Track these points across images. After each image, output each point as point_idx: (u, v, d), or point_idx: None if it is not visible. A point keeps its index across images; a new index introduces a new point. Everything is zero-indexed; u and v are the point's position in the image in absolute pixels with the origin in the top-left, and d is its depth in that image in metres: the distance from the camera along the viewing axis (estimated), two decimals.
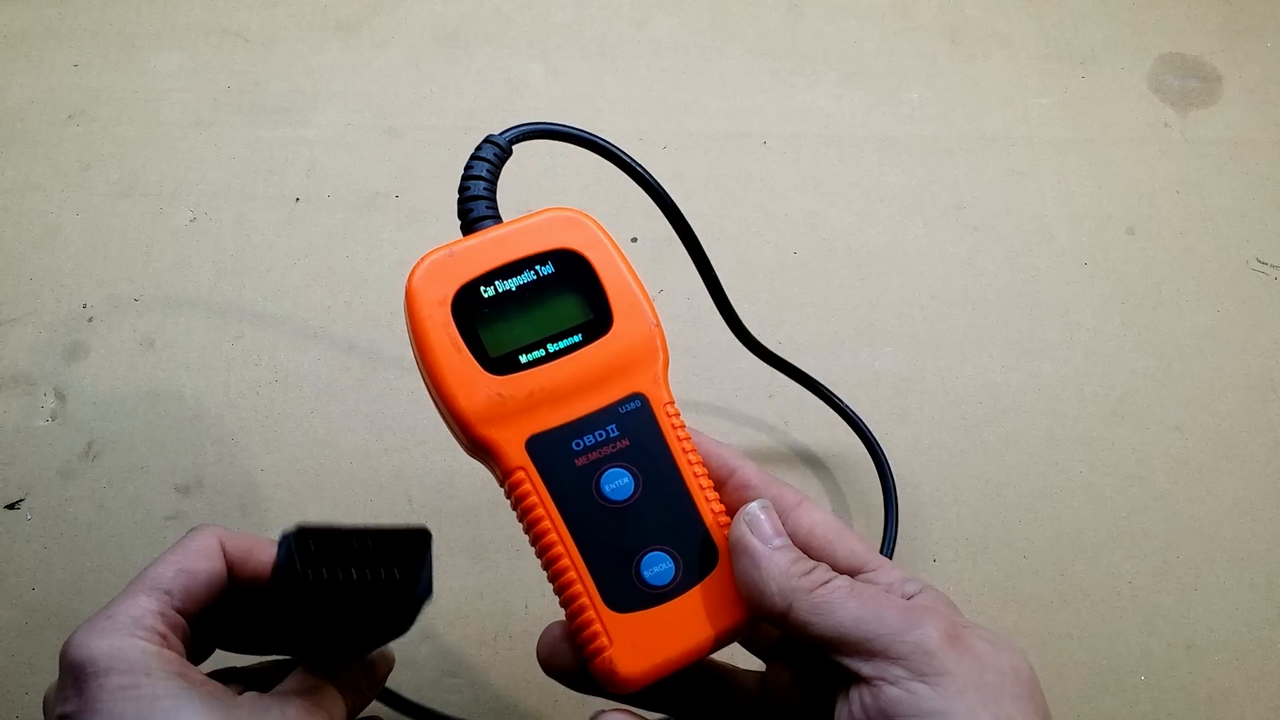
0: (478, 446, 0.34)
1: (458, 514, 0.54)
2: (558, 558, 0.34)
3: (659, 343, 0.35)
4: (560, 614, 0.35)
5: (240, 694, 0.33)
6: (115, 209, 0.61)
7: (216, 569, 0.35)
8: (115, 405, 0.56)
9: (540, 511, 0.34)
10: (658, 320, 0.35)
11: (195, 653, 0.36)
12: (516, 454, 0.34)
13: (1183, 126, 0.68)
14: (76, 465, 0.54)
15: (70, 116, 0.64)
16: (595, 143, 0.40)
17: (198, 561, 0.35)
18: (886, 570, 0.34)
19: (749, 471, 0.36)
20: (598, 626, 0.33)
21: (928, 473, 0.56)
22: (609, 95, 0.66)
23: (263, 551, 0.36)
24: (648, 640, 0.33)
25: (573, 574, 0.33)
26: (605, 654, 0.33)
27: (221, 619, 0.37)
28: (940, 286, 0.61)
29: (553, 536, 0.33)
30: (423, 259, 0.35)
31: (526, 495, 0.34)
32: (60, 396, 0.56)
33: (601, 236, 0.36)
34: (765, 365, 0.53)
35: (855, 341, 0.59)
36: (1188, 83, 0.69)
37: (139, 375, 0.57)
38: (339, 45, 0.67)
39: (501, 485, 0.35)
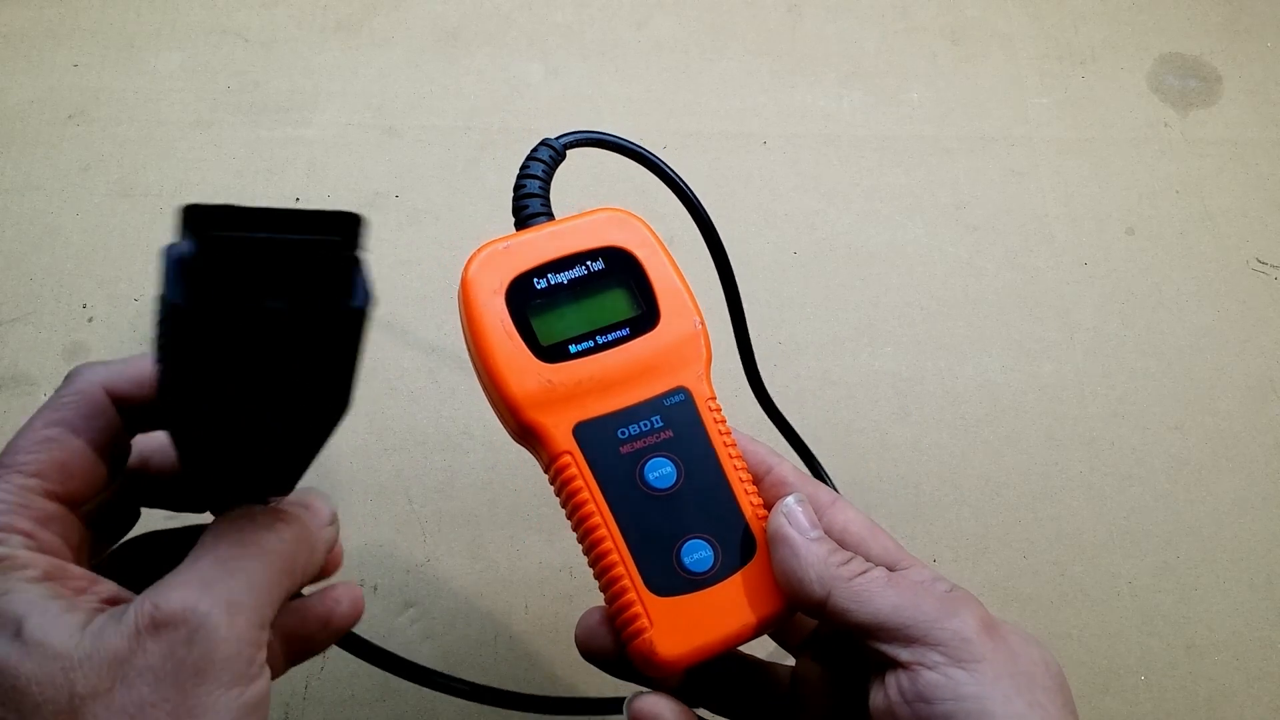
0: (526, 431, 0.35)
1: (458, 514, 0.54)
2: (600, 540, 0.34)
3: (703, 341, 0.36)
4: (595, 600, 0.36)
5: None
6: (115, 209, 0.61)
7: (101, 427, 0.27)
8: None
9: (585, 495, 0.34)
10: (703, 319, 0.37)
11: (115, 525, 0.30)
12: (564, 439, 0.35)
13: (1183, 126, 0.68)
14: None
15: (70, 116, 0.64)
16: (645, 157, 0.41)
17: (73, 423, 0.27)
18: (918, 569, 0.34)
19: (785, 470, 0.37)
20: (639, 608, 0.34)
21: (928, 473, 0.56)
22: (609, 95, 0.66)
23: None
24: (687, 624, 0.34)
25: (615, 556, 0.34)
26: (645, 635, 0.34)
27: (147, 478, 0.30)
28: (940, 286, 0.61)
29: (597, 520, 0.34)
30: (479, 250, 0.36)
31: (572, 479, 0.34)
32: None
33: (650, 237, 0.37)
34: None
35: (855, 341, 0.59)
36: (1188, 83, 0.69)
37: None
38: (339, 45, 0.67)
39: (546, 470, 0.36)
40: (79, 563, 0.27)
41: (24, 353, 0.57)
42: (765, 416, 0.50)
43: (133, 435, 0.29)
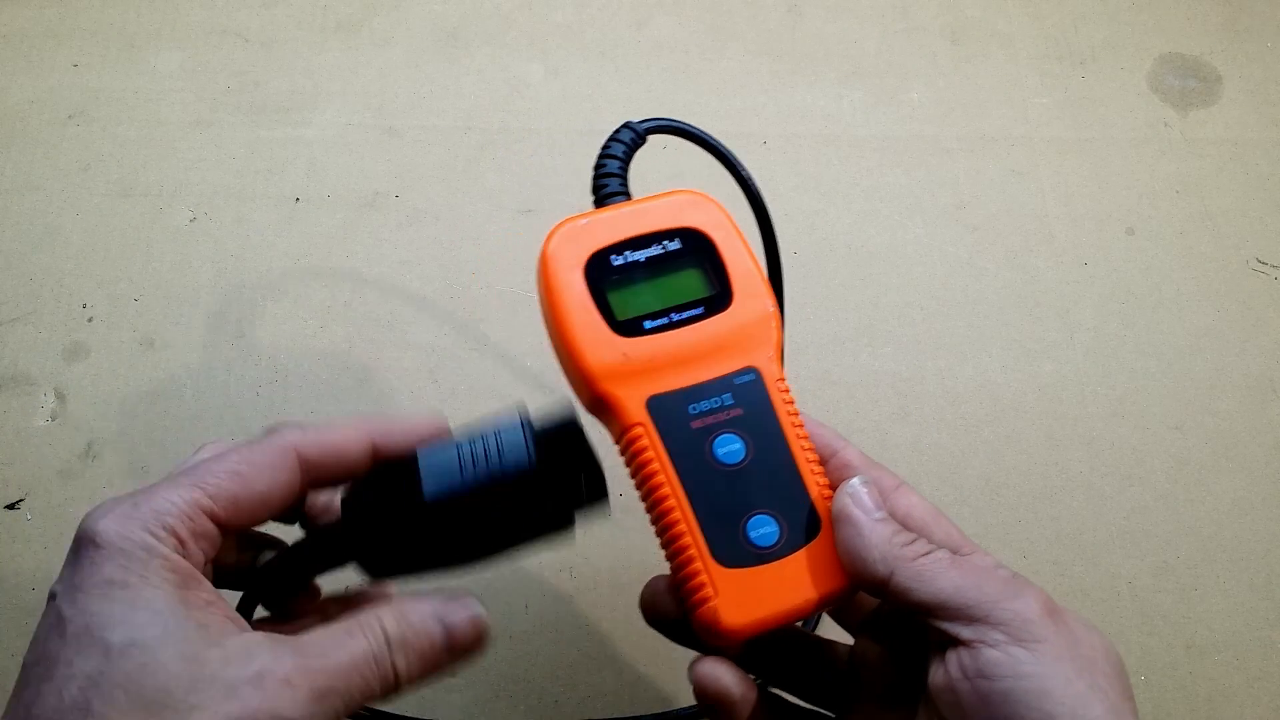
0: (600, 403, 0.36)
1: None
2: (669, 510, 0.35)
3: (775, 323, 0.37)
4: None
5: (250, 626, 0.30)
6: (115, 209, 0.61)
7: (282, 481, 0.31)
8: (115, 405, 0.56)
9: (655, 466, 0.35)
10: (775, 302, 0.37)
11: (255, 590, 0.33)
12: (637, 410, 0.35)
13: (1183, 126, 0.68)
14: (76, 465, 0.54)
15: (70, 116, 0.64)
16: (720, 150, 0.42)
17: (261, 470, 0.31)
18: (980, 555, 0.35)
19: (851, 453, 0.37)
20: (704, 578, 0.34)
21: (928, 473, 0.56)
22: (609, 95, 0.66)
23: (348, 450, 0.32)
24: (750, 595, 0.34)
25: (683, 527, 0.35)
26: (710, 604, 0.34)
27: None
28: (940, 286, 0.61)
29: (666, 490, 0.35)
30: (558, 226, 0.37)
31: (643, 450, 0.35)
32: (60, 396, 0.56)
33: (726, 220, 0.38)
34: None
35: (855, 341, 0.59)
36: (1188, 83, 0.69)
37: (139, 375, 0.57)
38: (339, 45, 0.67)
39: (618, 442, 0.36)
40: (205, 575, 0.31)
41: (24, 353, 0.57)
42: None
43: (308, 490, 0.33)
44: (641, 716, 0.49)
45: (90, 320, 0.58)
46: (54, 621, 0.28)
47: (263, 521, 0.32)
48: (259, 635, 0.29)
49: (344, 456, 0.33)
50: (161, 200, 0.62)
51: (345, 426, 0.33)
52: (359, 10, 0.68)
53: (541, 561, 0.53)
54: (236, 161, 0.63)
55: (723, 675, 0.34)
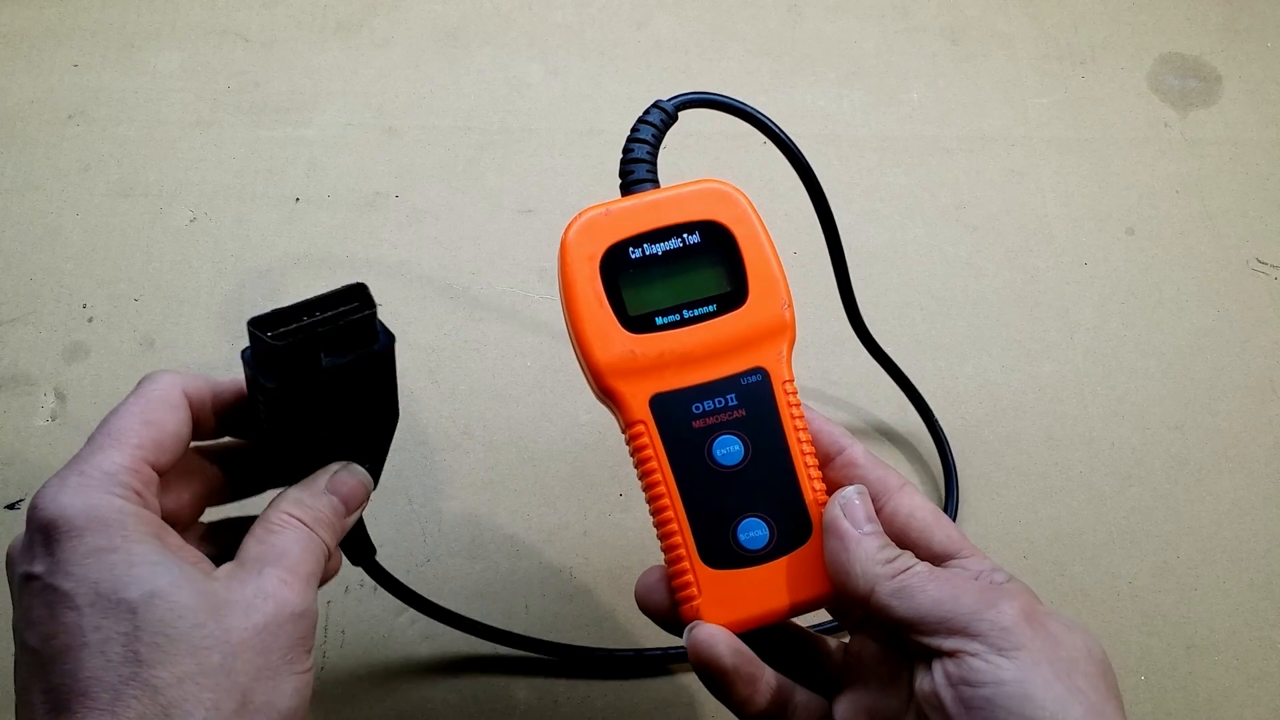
0: (606, 395, 0.36)
1: (457, 514, 0.54)
2: (664, 509, 0.36)
3: (789, 323, 0.38)
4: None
5: (212, 557, 0.33)
6: (115, 209, 0.61)
7: (182, 419, 0.34)
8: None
9: (654, 464, 0.36)
10: (790, 301, 0.38)
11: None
12: (640, 408, 0.36)
13: (1183, 126, 0.68)
14: None
15: (70, 116, 0.64)
16: (757, 118, 0.42)
17: (163, 412, 0.33)
18: (977, 559, 0.36)
19: (856, 452, 0.38)
20: (690, 577, 0.35)
21: (928, 473, 0.56)
22: (609, 95, 0.66)
23: (223, 391, 0.35)
24: (734, 597, 0.35)
25: (675, 526, 0.36)
26: (693, 603, 0.35)
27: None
28: (940, 286, 0.61)
29: (662, 489, 0.36)
30: (579, 215, 0.37)
31: (644, 447, 0.36)
32: (60, 396, 0.56)
33: (749, 213, 0.37)
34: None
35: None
36: (1188, 83, 0.69)
37: (139, 375, 0.56)
38: (339, 45, 0.67)
39: (623, 434, 0.37)
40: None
41: (24, 353, 0.57)
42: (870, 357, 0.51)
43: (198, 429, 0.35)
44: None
45: (90, 320, 0.58)
46: (53, 598, 0.29)
47: (178, 458, 0.34)
48: (228, 564, 0.32)
49: (220, 390, 0.35)
50: (161, 200, 0.62)
51: (216, 379, 0.35)
52: (359, 10, 0.68)
53: (541, 562, 0.53)
54: (236, 161, 0.63)
55: (718, 643, 0.35)
